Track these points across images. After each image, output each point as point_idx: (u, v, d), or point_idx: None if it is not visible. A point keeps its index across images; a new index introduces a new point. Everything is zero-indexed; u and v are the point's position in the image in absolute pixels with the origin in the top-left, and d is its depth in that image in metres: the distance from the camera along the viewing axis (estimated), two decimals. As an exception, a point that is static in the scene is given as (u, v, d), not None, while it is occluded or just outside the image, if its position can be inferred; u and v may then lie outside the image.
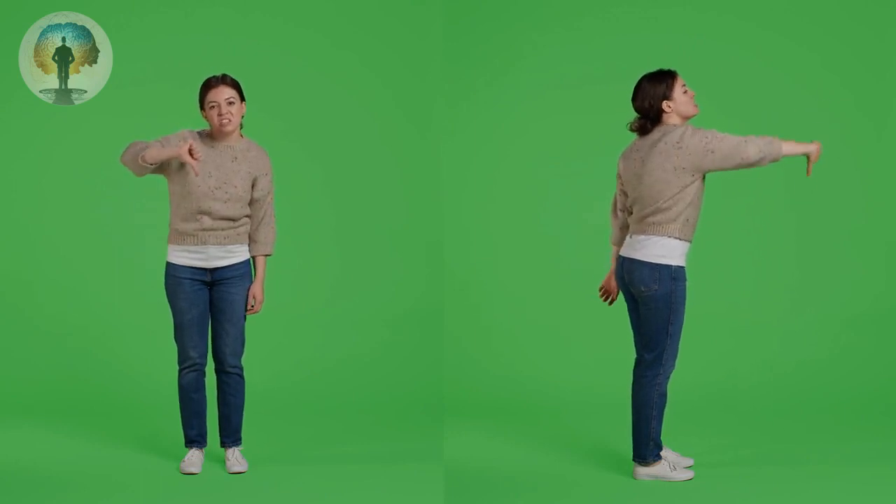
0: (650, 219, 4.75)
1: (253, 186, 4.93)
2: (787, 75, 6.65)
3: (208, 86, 4.86)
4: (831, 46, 6.68)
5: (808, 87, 6.64)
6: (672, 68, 4.81)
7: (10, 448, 5.40)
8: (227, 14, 6.69)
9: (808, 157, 4.74)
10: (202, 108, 4.87)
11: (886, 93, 6.69)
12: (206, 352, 4.98)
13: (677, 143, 4.67)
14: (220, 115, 4.82)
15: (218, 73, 4.89)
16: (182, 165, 4.82)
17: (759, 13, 6.68)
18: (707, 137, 4.65)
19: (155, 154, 4.73)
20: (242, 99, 4.90)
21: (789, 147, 4.70)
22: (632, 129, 4.84)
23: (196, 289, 4.92)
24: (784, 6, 6.68)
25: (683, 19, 6.66)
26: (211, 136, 4.90)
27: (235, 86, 4.88)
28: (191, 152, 4.66)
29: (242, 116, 4.91)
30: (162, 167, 4.83)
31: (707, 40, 6.63)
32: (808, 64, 6.67)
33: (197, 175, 4.76)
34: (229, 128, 4.84)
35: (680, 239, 4.71)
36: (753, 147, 4.64)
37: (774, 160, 4.67)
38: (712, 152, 4.64)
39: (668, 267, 4.71)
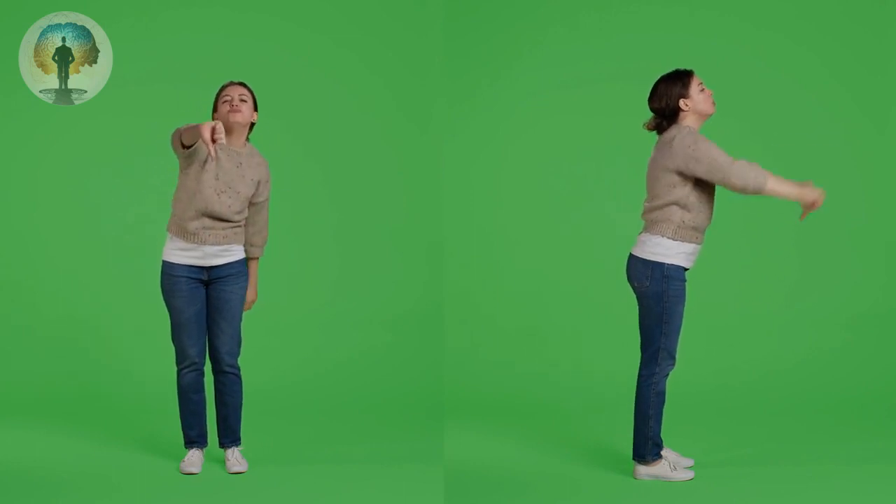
0: (647, 216, 4.77)
1: (254, 192, 4.95)
2: (787, 75, 6.65)
3: (225, 85, 4.92)
4: (831, 46, 6.68)
5: (808, 87, 6.64)
6: (689, 68, 4.81)
7: (10, 448, 5.40)
8: (228, 14, 6.69)
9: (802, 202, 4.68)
10: (215, 108, 4.90)
11: (886, 93, 6.69)
12: (205, 351, 4.98)
13: (669, 143, 4.68)
14: (231, 105, 4.83)
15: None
16: (204, 161, 4.80)
17: (760, 13, 6.67)
18: (697, 144, 4.62)
19: (188, 134, 4.70)
20: (255, 108, 4.93)
21: (777, 186, 4.62)
22: (648, 129, 4.83)
23: (193, 287, 4.91)
24: (784, 6, 6.68)
25: (684, 19, 6.66)
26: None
27: (250, 92, 4.93)
28: (213, 134, 4.58)
29: (253, 125, 4.92)
30: (189, 157, 4.80)
31: (708, 40, 6.63)
32: (808, 64, 6.67)
33: (213, 158, 4.71)
34: (238, 118, 4.83)
35: (675, 239, 4.71)
36: (738, 172, 4.58)
37: (758, 192, 4.62)
38: (696, 160, 4.62)
39: (661, 265, 4.71)
